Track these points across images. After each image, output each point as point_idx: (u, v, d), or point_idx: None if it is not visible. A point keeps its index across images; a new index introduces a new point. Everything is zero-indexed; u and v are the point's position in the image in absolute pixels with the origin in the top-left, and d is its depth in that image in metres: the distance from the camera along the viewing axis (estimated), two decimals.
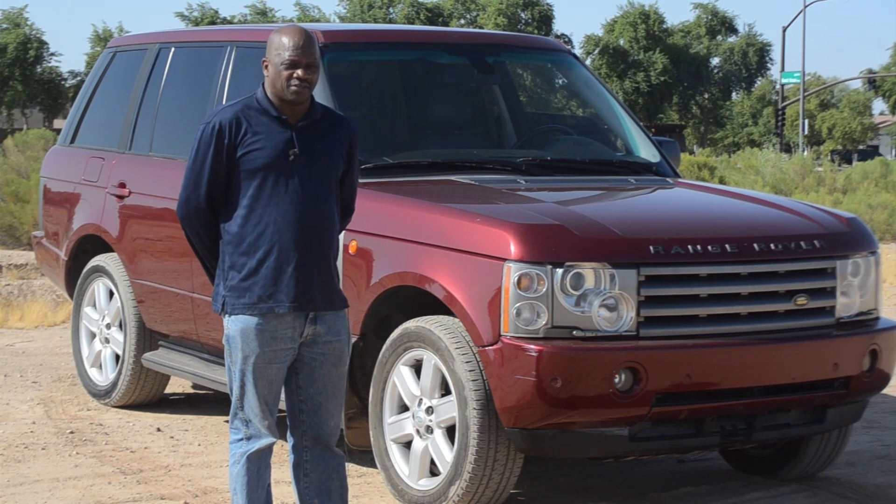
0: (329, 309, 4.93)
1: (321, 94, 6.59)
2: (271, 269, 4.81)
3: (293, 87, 4.80)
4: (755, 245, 6.10)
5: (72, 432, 7.72)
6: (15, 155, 24.08)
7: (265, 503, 5.05)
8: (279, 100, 4.85)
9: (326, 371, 4.98)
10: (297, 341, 4.91)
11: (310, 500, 5.09)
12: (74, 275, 8.69)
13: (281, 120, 4.86)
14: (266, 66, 4.87)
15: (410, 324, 6.21)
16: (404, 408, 6.30)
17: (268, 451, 5.00)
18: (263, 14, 77.46)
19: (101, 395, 8.42)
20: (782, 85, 64.60)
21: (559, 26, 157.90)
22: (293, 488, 5.13)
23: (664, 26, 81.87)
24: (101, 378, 8.45)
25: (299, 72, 4.80)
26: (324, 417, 5.03)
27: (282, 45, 4.81)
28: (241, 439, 4.98)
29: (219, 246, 4.94)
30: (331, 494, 5.09)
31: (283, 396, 5.07)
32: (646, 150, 7.61)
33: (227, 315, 4.90)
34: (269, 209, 4.81)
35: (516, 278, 5.73)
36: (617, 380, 5.73)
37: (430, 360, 6.08)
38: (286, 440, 5.13)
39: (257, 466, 4.98)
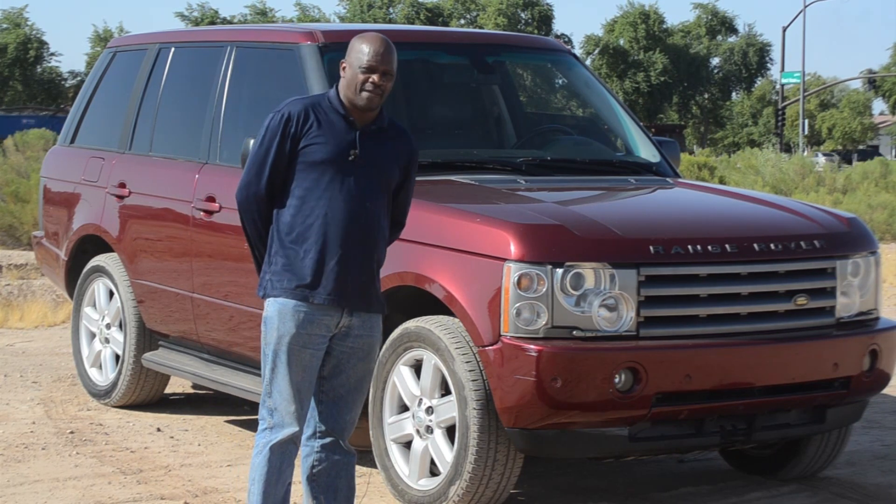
0: (363, 310, 4.99)
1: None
2: (314, 262, 4.89)
3: (366, 93, 4.90)
4: (755, 245, 6.11)
5: (72, 432, 7.72)
6: (15, 155, 24.09)
7: (282, 502, 5.04)
8: (350, 103, 4.95)
9: (353, 365, 5.04)
10: (332, 331, 4.97)
11: (315, 494, 5.10)
12: (74, 275, 8.69)
13: (348, 121, 4.96)
14: (343, 69, 4.97)
15: (410, 324, 6.21)
16: (404, 408, 6.30)
17: (291, 444, 4.99)
18: (263, 14, 77.45)
19: (101, 395, 8.42)
20: (782, 85, 64.61)
21: (559, 26, 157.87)
22: (302, 480, 5.14)
23: (664, 26, 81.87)
24: (101, 378, 8.45)
25: (375, 77, 4.90)
26: (342, 410, 5.06)
27: (362, 50, 4.92)
28: (266, 429, 5.00)
29: (269, 233, 5.01)
30: (337, 493, 5.10)
31: None
32: (646, 150, 7.61)
33: (267, 297, 4.97)
34: (321, 203, 4.90)
35: (516, 278, 5.73)
36: (617, 380, 5.73)
37: (430, 360, 6.08)
38: None
39: (280, 460, 4.98)
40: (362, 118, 4.98)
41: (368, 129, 4.98)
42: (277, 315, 4.94)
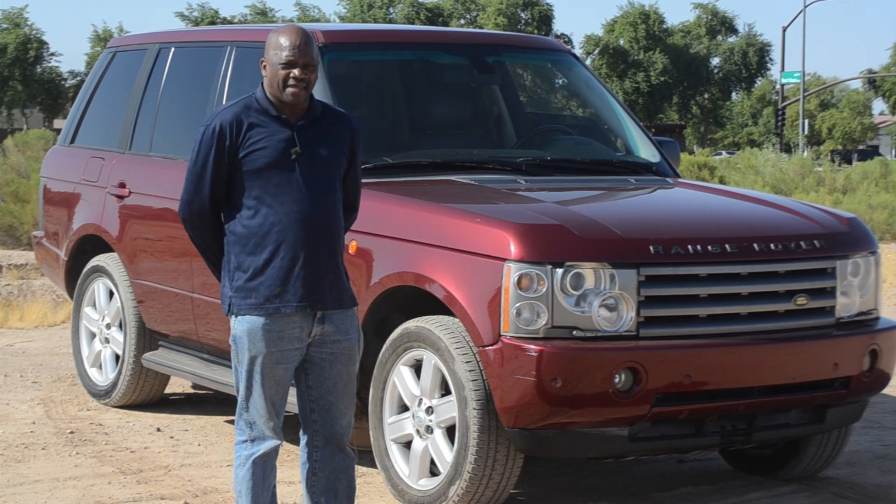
0: (338, 307, 4.91)
1: (321, 94, 6.59)
2: (278, 269, 4.81)
3: (290, 88, 4.80)
4: (755, 245, 6.10)
5: (72, 432, 7.72)
6: (15, 155, 24.09)
7: None
8: (277, 100, 4.85)
9: (336, 371, 4.97)
10: (305, 341, 4.90)
11: (316, 498, 5.09)
12: (74, 275, 8.69)
13: (281, 119, 4.86)
14: (264, 66, 4.87)
15: (410, 324, 6.21)
16: (404, 408, 6.30)
17: (273, 453, 4.98)
18: (263, 14, 77.48)
19: (101, 395, 8.42)
20: (782, 85, 64.60)
21: (559, 26, 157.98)
22: (302, 486, 5.13)
23: (664, 26, 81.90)
24: (101, 378, 8.45)
25: (296, 72, 4.79)
26: (335, 417, 5.02)
27: (279, 45, 4.81)
28: (246, 441, 4.96)
29: (223, 246, 4.94)
30: (337, 495, 5.08)
31: (293, 398, 5.07)
32: (646, 150, 7.61)
33: (233, 316, 4.90)
34: (274, 208, 4.80)
35: (516, 278, 5.73)
36: (617, 380, 5.73)
37: (430, 360, 6.08)
38: (291, 442, 5.11)
39: (263, 470, 4.97)
40: (294, 113, 4.86)
41: (303, 122, 4.87)
42: (247, 336, 4.85)
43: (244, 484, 4.96)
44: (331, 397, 4.99)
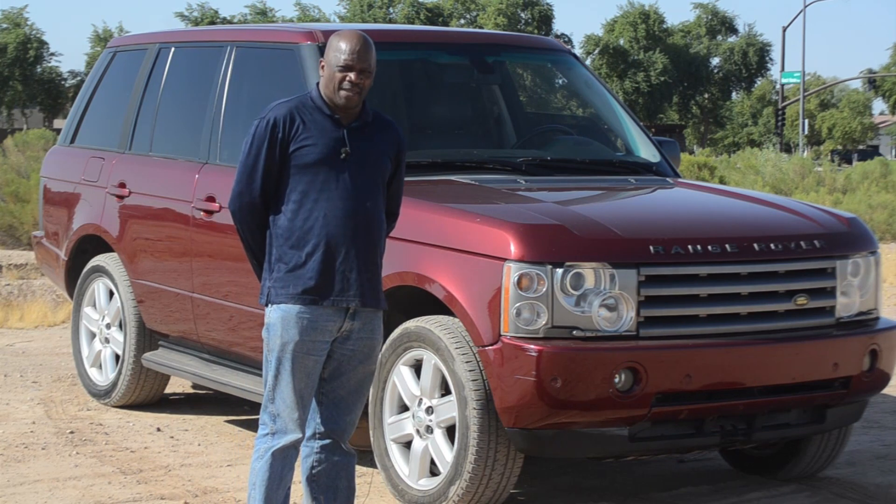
0: (371, 306, 4.98)
1: None
2: (318, 263, 4.88)
3: (344, 91, 4.90)
4: (755, 245, 6.10)
5: (72, 432, 7.72)
6: (15, 155, 24.09)
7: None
8: (331, 101, 4.95)
9: (354, 367, 5.03)
10: (334, 335, 4.96)
11: (315, 494, 5.10)
12: (74, 275, 8.69)
13: (334, 119, 4.96)
14: (322, 67, 4.97)
15: (410, 324, 6.21)
16: (404, 408, 6.30)
17: (293, 450, 5.00)
18: (263, 14, 77.45)
19: (101, 395, 8.42)
20: (782, 85, 64.61)
21: (559, 26, 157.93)
22: (302, 481, 5.14)
23: (664, 26, 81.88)
24: (101, 378, 8.45)
25: (352, 76, 4.90)
26: (342, 411, 5.06)
27: (339, 48, 4.92)
28: (268, 434, 4.99)
29: (266, 241, 5.00)
30: (337, 493, 5.10)
31: None
32: (646, 150, 7.61)
33: (269, 305, 4.96)
34: (319, 204, 4.89)
35: (516, 278, 5.73)
36: (617, 380, 5.73)
37: (430, 360, 6.08)
38: None
39: (281, 465, 4.98)
40: (347, 115, 4.97)
41: (355, 125, 4.97)
42: (281, 322, 4.92)
43: (259, 476, 4.97)
44: (342, 391, 5.04)
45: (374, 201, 4.98)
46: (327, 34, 7.28)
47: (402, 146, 5.11)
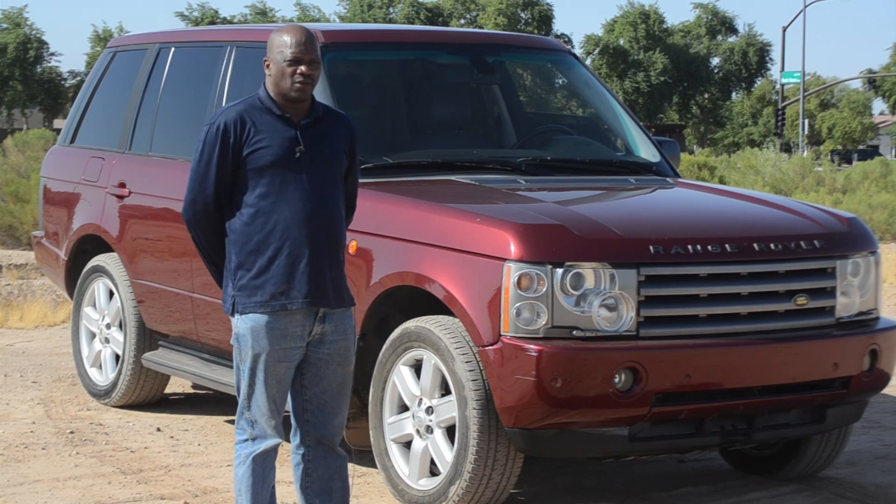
0: (340, 305, 4.95)
1: (321, 94, 6.59)
2: (283, 266, 4.84)
3: (297, 84, 4.84)
4: (755, 245, 6.10)
5: (72, 432, 7.72)
6: (15, 155, 24.07)
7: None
8: (282, 98, 4.89)
9: (332, 370, 4.99)
10: (306, 340, 4.93)
11: (311, 499, 5.09)
12: (74, 275, 8.69)
13: (285, 118, 4.90)
14: (268, 66, 4.91)
15: (410, 324, 6.21)
16: (404, 408, 6.30)
17: (273, 452, 5.00)
18: (263, 14, 77.47)
19: (101, 395, 8.42)
20: (782, 85, 64.62)
21: (559, 26, 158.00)
22: (296, 488, 5.13)
23: (664, 26, 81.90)
24: (101, 378, 8.45)
25: (302, 68, 4.84)
26: (328, 416, 5.03)
27: (284, 43, 4.86)
28: (247, 440, 4.98)
29: (224, 248, 4.95)
30: (332, 495, 5.09)
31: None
32: (646, 150, 7.61)
33: (236, 314, 4.91)
34: (278, 206, 4.84)
35: (516, 278, 5.73)
36: (617, 380, 5.73)
37: (430, 360, 6.08)
38: (288, 441, 5.12)
39: (262, 468, 4.98)
40: (297, 112, 4.91)
41: (306, 122, 4.92)
42: (251, 333, 4.87)
43: (244, 482, 4.97)
44: (325, 396, 5.01)
45: (334, 199, 4.92)
46: (327, 34, 7.28)
47: (355, 137, 5.04)
